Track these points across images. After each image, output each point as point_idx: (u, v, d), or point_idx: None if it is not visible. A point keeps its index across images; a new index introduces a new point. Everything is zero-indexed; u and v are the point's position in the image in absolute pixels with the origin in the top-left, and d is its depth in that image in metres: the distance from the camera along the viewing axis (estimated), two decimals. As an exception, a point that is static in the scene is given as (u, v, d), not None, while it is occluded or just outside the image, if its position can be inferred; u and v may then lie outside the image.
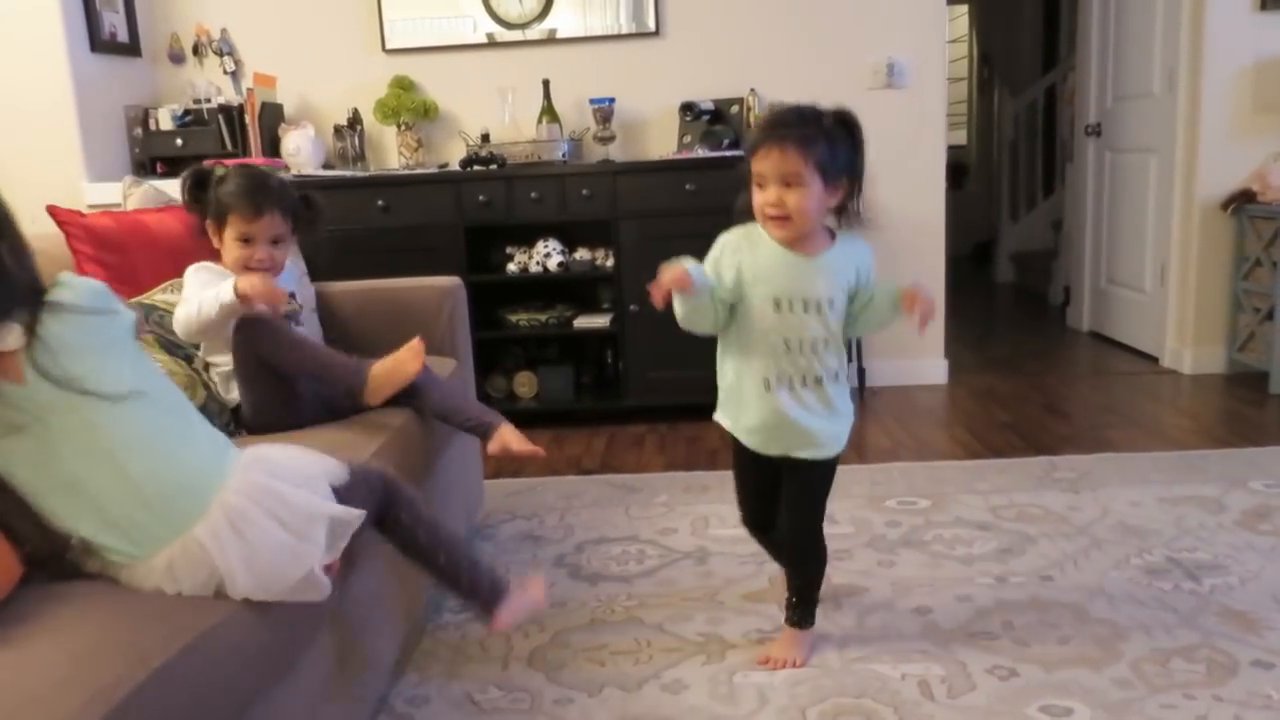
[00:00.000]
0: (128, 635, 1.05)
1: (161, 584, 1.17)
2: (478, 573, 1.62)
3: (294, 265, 2.16)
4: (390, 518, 1.55)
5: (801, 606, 1.86)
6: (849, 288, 1.74)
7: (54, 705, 0.90)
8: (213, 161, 2.08)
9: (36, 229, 2.10)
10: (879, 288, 1.76)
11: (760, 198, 1.67)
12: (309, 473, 1.35)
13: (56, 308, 1.15)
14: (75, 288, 1.20)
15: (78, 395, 1.12)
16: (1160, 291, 4.18)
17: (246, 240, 1.89)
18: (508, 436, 2.01)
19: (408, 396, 1.95)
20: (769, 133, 1.64)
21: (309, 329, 2.13)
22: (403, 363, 1.89)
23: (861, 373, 3.96)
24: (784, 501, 1.84)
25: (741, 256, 1.71)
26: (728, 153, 3.61)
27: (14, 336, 1.10)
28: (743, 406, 1.79)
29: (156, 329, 1.83)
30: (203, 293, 1.80)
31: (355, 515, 1.37)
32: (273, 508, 1.24)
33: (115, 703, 0.95)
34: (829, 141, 1.62)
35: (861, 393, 3.92)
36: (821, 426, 1.77)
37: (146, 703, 0.99)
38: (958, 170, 7.42)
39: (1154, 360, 4.23)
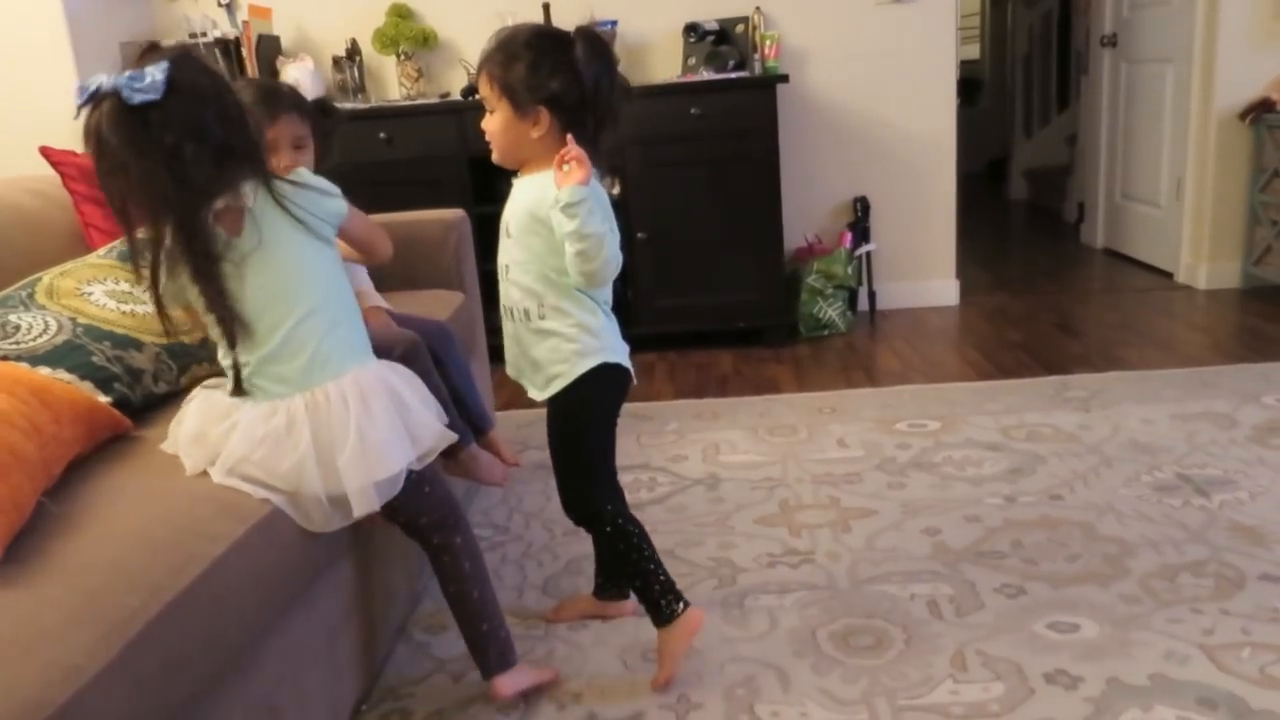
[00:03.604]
0: (140, 568, 1.06)
1: (293, 424, 1.32)
2: (493, 640, 1.56)
3: None
4: (445, 540, 1.54)
5: (643, 603, 1.64)
6: (530, 213, 1.53)
7: (70, 641, 0.92)
8: None
9: (32, 170, 2.11)
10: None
11: None
12: (425, 396, 1.50)
13: (288, 182, 1.38)
14: (306, 174, 1.43)
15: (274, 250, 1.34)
16: (1175, 206, 4.11)
17: (269, 149, 1.82)
18: (473, 462, 1.91)
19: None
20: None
21: None
22: None
23: (872, 295, 3.93)
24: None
25: None
26: (733, 75, 3.54)
27: (247, 195, 1.32)
28: None
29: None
30: None
31: (450, 437, 1.50)
32: (396, 400, 1.41)
33: (130, 636, 0.97)
34: (530, 67, 1.47)
35: (872, 315, 3.90)
36: (530, 362, 1.60)
37: (161, 635, 1.01)
38: (970, 86, 7.26)
39: (1169, 276, 4.18)
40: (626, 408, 1.70)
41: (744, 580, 1.91)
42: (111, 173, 1.24)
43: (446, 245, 2.46)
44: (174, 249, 1.27)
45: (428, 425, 1.46)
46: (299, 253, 1.38)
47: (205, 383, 1.46)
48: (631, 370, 1.63)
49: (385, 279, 1.98)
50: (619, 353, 1.60)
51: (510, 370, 1.65)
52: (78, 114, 1.23)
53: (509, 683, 1.55)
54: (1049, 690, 1.51)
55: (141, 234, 1.28)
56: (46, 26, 3.42)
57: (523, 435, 2.74)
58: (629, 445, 2.62)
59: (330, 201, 1.44)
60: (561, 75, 1.47)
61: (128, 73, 1.21)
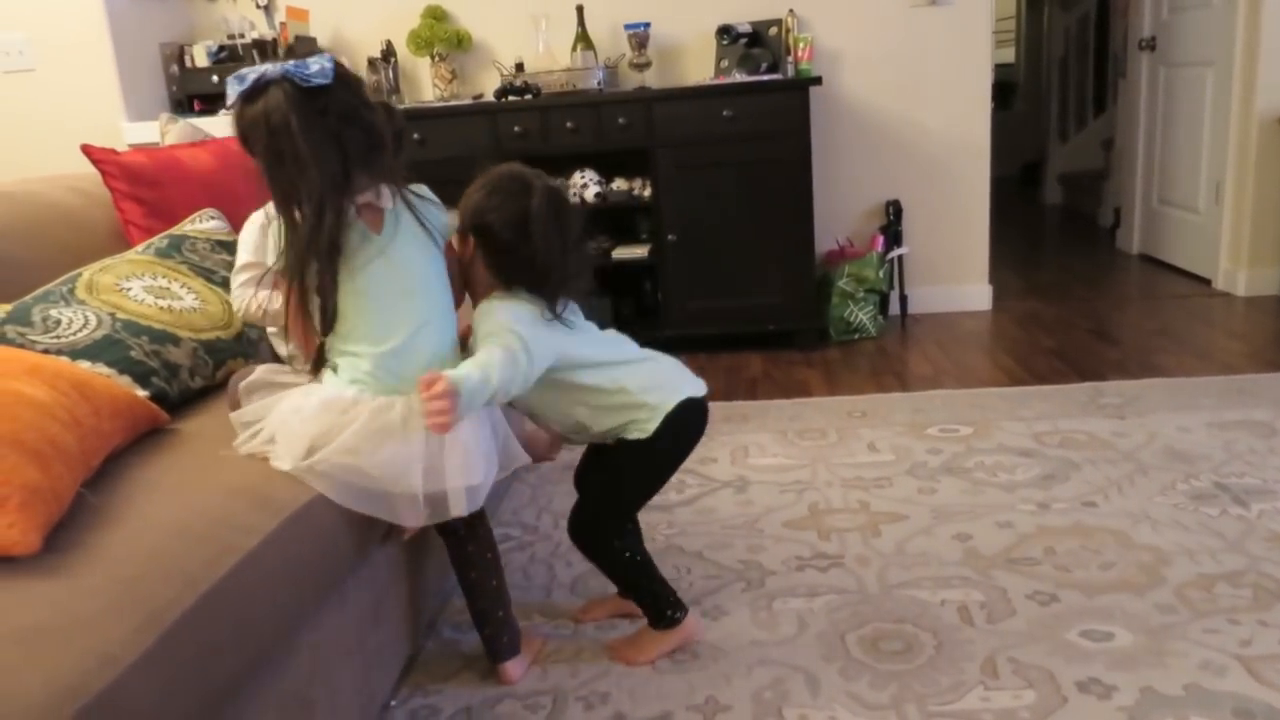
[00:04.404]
0: (176, 559, 1.08)
1: (409, 419, 1.36)
2: (506, 626, 1.65)
3: None
4: (470, 530, 1.62)
5: (640, 604, 1.73)
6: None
7: (107, 630, 0.93)
8: None
9: (73, 169, 2.14)
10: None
11: None
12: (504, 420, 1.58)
13: (413, 193, 1.48)
14: (425, 189, 1.53)
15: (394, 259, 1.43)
16: (1214, 211, 4.05)
17: None
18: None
19: None
20: None
21: None
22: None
23: (903, 299, 3.91)
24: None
25: None
26: (766, 77, 3.53)
27: (387, 197, 1.43)
28: None
29: (190, 256, 1.84)
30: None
31: (524, 459, 1.58)
32: (491, 418, 1.50)
33: (166, 627, 0.98)
34: (484, 194, 1.54)
35: (903, 320, 3.88)
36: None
37: (195, 625, 1.02)
38: (1005, 89, 7.20)
39: (1206, 282, 4.12)
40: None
41: (772, 583, 1.91)
42: (278, 154, 1.31)
43: (478, 245, 2.46)
44: (314, 231, 1.33)
45: (509, 446, 1.56)
46: (426, 260, 1.47)
47: (266, 368, 1.51)
48: (695, 396, 1.65)
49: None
50: (671, 395, 1.62)
51: None
52: (234, 103, 1.33)
53: (518, 667, 1.65)
54: (1082, 699, 1.49)
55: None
56: (88, 27, 3.48)
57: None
58: (658, 446, 2.62)
59: (444, 216, 1.54)
60: (499, 214, 1.51)
61: (291, 62, 1.31)
